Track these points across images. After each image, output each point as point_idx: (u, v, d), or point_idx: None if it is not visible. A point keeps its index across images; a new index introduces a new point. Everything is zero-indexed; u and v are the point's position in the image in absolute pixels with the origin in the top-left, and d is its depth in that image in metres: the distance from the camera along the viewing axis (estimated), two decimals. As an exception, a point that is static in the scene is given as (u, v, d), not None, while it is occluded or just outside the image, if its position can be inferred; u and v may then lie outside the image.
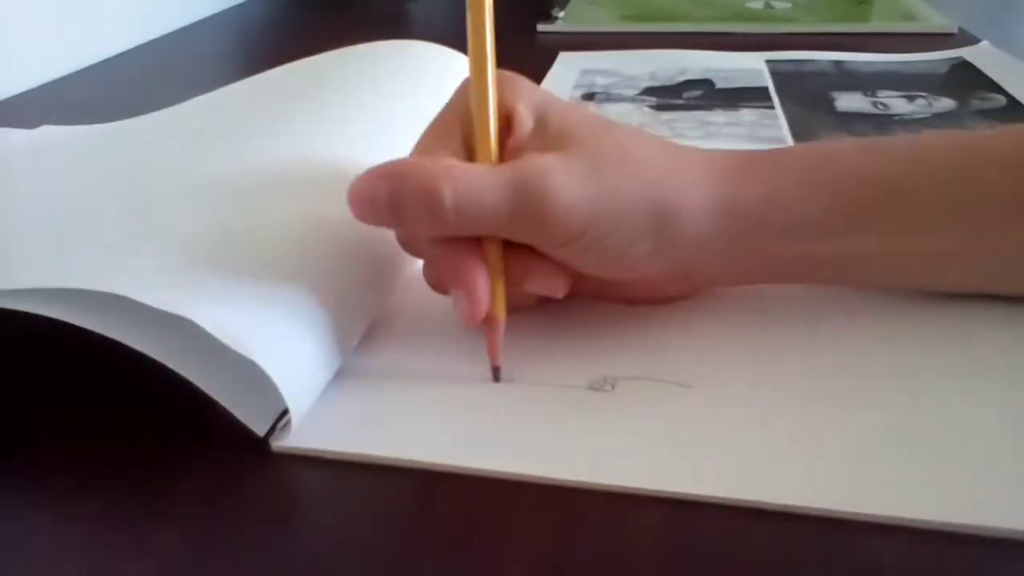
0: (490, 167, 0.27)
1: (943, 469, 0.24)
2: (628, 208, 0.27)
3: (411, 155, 0.29)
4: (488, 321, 0.28)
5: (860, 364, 0.29)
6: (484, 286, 0.27)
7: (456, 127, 0.29)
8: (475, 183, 0.26)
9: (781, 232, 0.29)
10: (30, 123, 0.52)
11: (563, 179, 0.26)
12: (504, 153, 0.29)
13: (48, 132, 0.51)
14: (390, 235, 0.31)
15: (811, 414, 0.26)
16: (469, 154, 0.29)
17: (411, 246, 0.30)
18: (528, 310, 0.32)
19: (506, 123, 0.29)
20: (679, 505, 0.23)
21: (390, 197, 0.26)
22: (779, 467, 0.24)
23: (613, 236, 0.27)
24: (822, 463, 0.24)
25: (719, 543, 0.22)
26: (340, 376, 0.29)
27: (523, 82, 0.30)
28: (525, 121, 0.29)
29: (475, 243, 0.28)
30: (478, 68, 0.28)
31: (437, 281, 0.30)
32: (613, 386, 0.28)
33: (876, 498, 0.23)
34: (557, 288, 0.29)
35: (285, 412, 0.26)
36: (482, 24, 0.28)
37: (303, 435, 0.26)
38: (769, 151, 0.31)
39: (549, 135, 0.28)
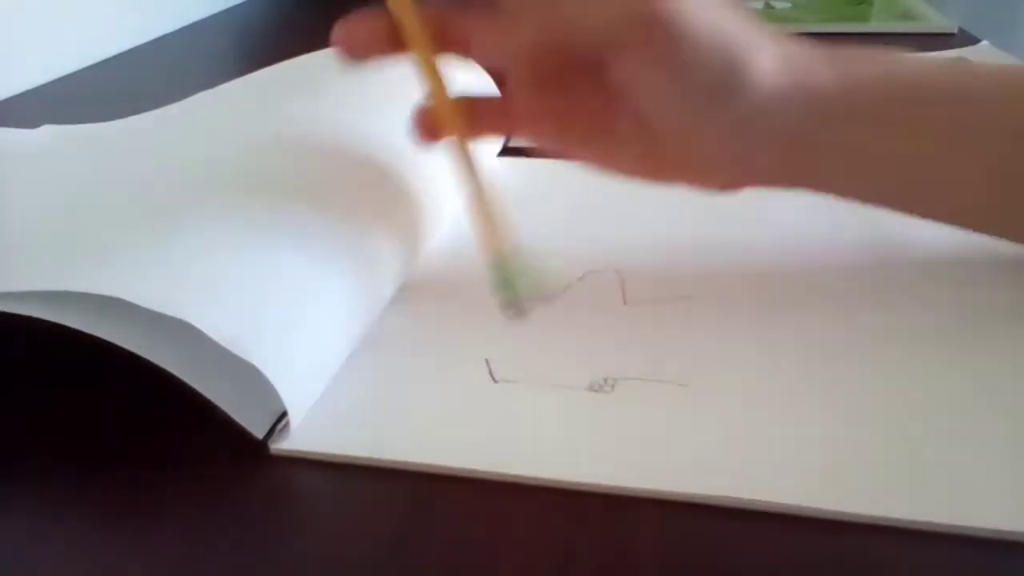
0: None
1: (945, 470, 0.24)
2: (724, 40, 0.28)
3: None
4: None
5: (860, 364, 0.29)
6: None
7: None
8: None
9: (849, 120, 0.29)
10: (30, 123, 0.52)
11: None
12: None
13: (49, 132, 0.51)
14: (389, 240, 0.31)
15: (810, 414, 0.26)
16: None
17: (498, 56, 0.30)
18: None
19: None
20: (679, 506, 0.23)
21: None
22: (778, 467, 0.24)
23: (692, 85, 0.28)
24: (821, 464, 0.24)
25: (719, 544, 0.22)
26: (339, 378, 0.29)
27: None
28: None
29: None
30: None
31: (528, 119, 0.31)
32: (612, 386, 0.28)
33: (876, 499, 0.23)
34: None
35: (284, 414, 0.26)
36: None
37: (302, 437, 0.26)
38: (842, 48, 0.31)
39: None
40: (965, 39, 0.69)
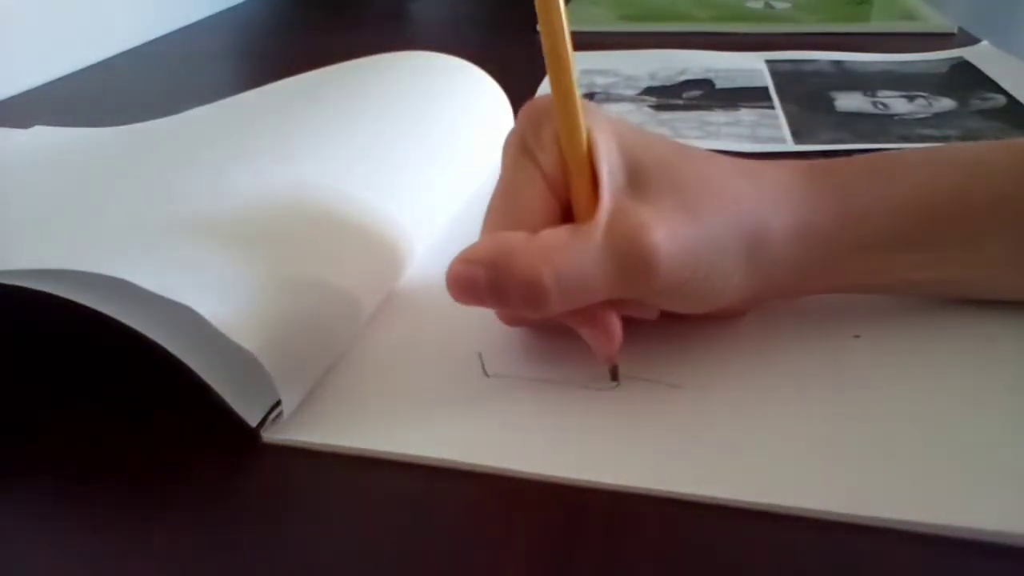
0: (584, 236, 0.26)
1: (940, 471, 0.24)
2: (725, 245, 0.27)
3: (495, 207, 0.28)
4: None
5: (855, 366, 0.29)
6: (616, 324, 0.27)
7: (532, 167, 0.27)
8: (576, 262, 0.25)
9: (854, 248, 0.29)
10: (30, 124, 0.52)
11: (662, 232, 0.26)
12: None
13: (41, 132, 0.51)
14: (389, 232, 0.31)
15: (807, 415, 0.26)
16: (555, 194, 0.27)
17: (516, 322, 0.30)
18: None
19: (589, 161, 0.27)
20: (678, 505, 0.23)
21: (491, 284, 0.26)
22: (776, 468, 0.24)
23: (712, 273, 0.27)
24: (817, 465, 0.24)
25: (718, 543, 0.22)
26: (335, 368, 0.29)
27: (596, 111, 0.28)
28: (615, 173, 0.27)
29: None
30: (567, 120, 0.27)
31: (514, 323, 0.30)
32: (609, 384, 0.28)
33: (872, 500, 0.23)
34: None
35: (277, 404, 0.26)
36: (561, 42, 0.26)
37: (294, 427, 0.26)
38: (835, 163, 0.31)
39: (628, 172, 0.27)
40: (965, 39, 0.69)
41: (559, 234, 0.26)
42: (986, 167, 0.30)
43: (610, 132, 0.28)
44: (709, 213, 0.27)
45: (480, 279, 0.26)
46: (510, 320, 0.30)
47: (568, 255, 0.25)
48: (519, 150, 0.28)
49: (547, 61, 0.26)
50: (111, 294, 0.25)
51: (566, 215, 0.28)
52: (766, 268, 0.28)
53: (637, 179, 0.27)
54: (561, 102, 0.27)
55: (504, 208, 0.28)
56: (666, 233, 0.26)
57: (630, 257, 0.26)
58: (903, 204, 0.29)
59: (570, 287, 0.25)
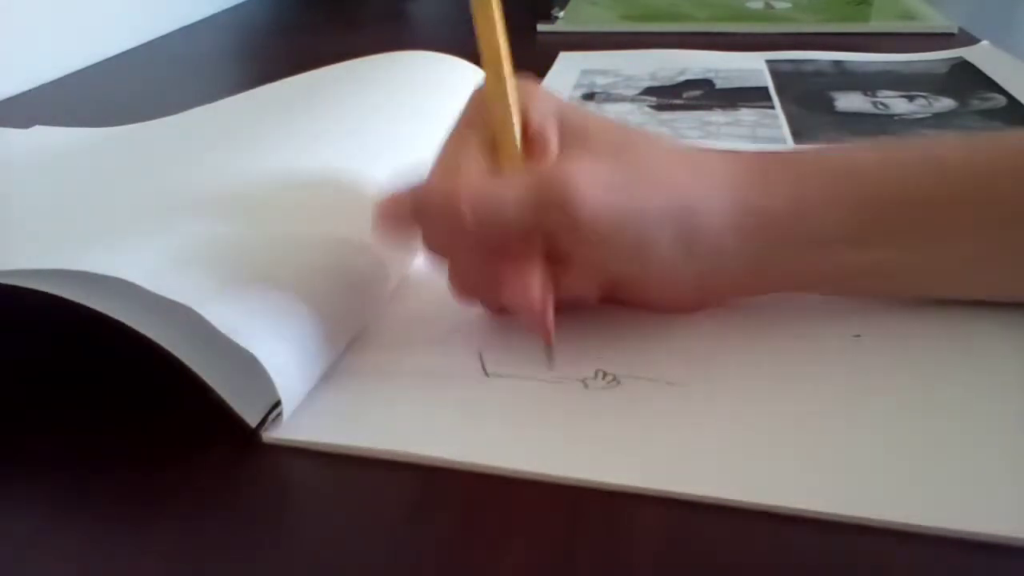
0: (512, 177, 0.28)
1: (944, 473, 0.24)
2: (653, 222, 0.28)
3: (433, 167, 0.29)
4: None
5: (857, 365, 0.29)
6: (538, 291, 0.28)
7: (473, 136, 0.29)
8: (494, 187, 0.27)
9: (806, 242, 0.29)
10: (32, 122, 0.52)
11: (588, 188, 0.27)
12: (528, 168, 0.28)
13: (41, 133, 0.51)
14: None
15: (807, 415, 0.26)
16: (490, 163, 0.28)
17: (439, 253, 0.30)
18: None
19: (523, 130, 0.29)
20: (677, 505, 0.23)
21: (413, 205, 0.28)
22: (776, 468, 0.24)
23: (642, 243, 0.28)
24: (817, 465, 0.24)
25: (717, 543, 0.22)
26: (335, 369, 0.29)
27: (538, 90, 0.30)
28: (551, 138, 0.28)
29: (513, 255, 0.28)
30: (495, 78, 0.28)
31: (463, 289, 0.30)
32: (605, 383, 0.28)
33: (874, 500, 0.23)
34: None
35: (277, 404, 0.26)
36: (493, 32, 0.28)
37: (294, 427, 0.26)
38: (788, 155, 0.31)
39: (568, 144, 0.28)
40: (965, 39, 0.69)
41: (482, 169, 0.28)
42: (941, 166, 0.30)
43: (545, 99, 0.29)
44: (638, 186, 0.28)
45: (404, 201, 0.28)
46: (433, 248, 0.29)
47: (487, 181, 0.27)
48: (463, 125, 0.29)
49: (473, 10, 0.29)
50: (111, 294, 0.25)
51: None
52: (711, 258, 0.29)
53: (571, 143, 0.29)
54: (490, 68, 0.28)
55: (438, 169, 0.29)
56: (591, 191, 0.27)
57: (550, 203, 0.27)
58: (862, 198, 0.29)
59: (486, 208, 0.27)
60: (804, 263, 0.29)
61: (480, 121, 0.29)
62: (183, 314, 0.24)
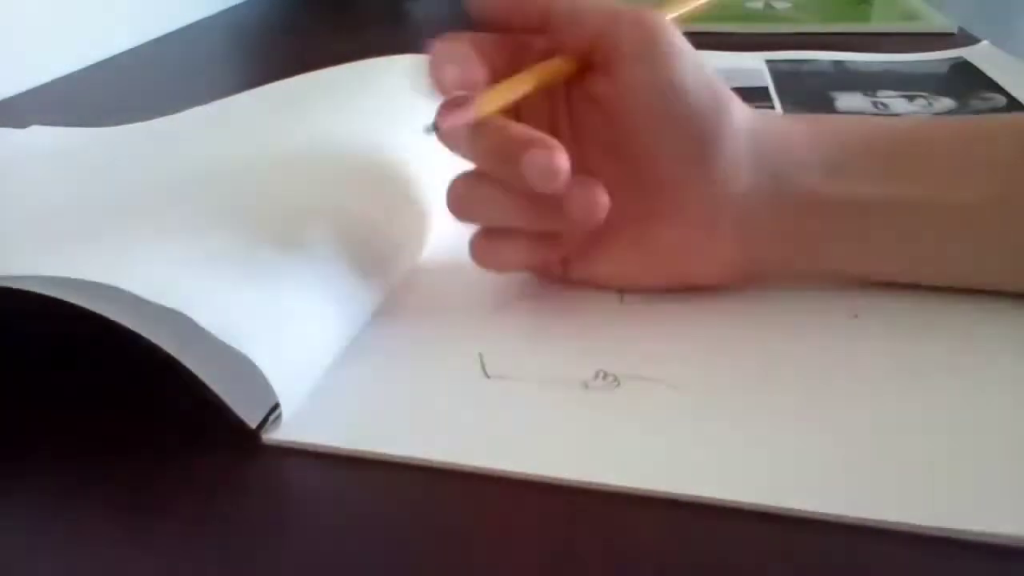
0: None
1: (943, 473, 0.24)
2: (710, 74, 0.30)
3: None
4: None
5: (857, 366, 0.28)
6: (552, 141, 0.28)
7: None
8: None
9: (822, 168, 0.31)
10: (32, 122, 0.52)
11: (671, 26, 0.30)
12: None
13: (38, 132, 0.51)
14: (389, 231, 0.31)
15: (807, 416, 0.26)
16: None
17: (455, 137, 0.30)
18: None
19: None
20: (678, 506, 0.23)
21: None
22: (777, 469, 0.24)
23: (694, 84, 0.29)
24: (819, 466, 0.24)
25: (718, 545, 0.22)
26: (333, 370, 0.29)
27: None
28: None
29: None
30: None
31: (460, 206, 0.31)
32: (606, 385, 0.28)
33: (872, 501, 0.23)
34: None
35: (277, 405, 0.26)
36: None
37: (294, 428, 0.26)
38: (800, 115, 0.34)
39: None
40: (965, 39, 0.69)
41: None
42: (942, 120, 0.35)
43: None
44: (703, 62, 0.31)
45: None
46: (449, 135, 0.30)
47: None
48: None
49: None
50: (107, 296, 0.25)
51: None
52: (727, 157, 0.30)
53: None
54: None
55: None
56: (673, 30, 0.30)
57: (641, 12, 0.30)
58: (869, 137, 0.32)
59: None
60: (818, 194, 0.30)
61: None
62: (180, 315, 0.24)
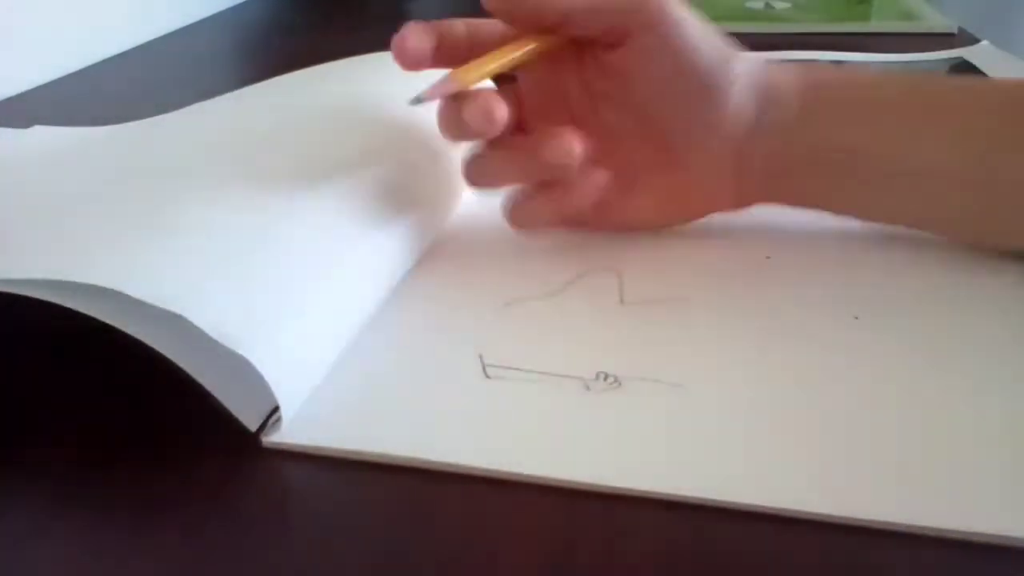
0: None
1: (944, 472, 0.24)
2: (713, 35, 0.33)
3: None
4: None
5: (858, 366, 0.28)
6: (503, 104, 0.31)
7: None
8: None
9: (813, 110, 0.33)
10: (32, 122, 0.52)
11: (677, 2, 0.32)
12: None
13: (40, 132, 0.51)
14: (389, 236, 0.31)
15: (807, 416, 0.26)
16: None
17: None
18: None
19: None
20: (678, 507, 0.23)
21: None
22: (774, 469, 0.24)
23: (700, 43, 0.32)
24: (818, 466, 0.24)
25: (719, 546, 0.22)
26: (333, 372, 0.29)
27: None
28: None
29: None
30: None
31: (471, 175, 0.34)
32: (607, 385, 0.28)
33: (874, 502, 0.23)
34: (568, 149, 0.32)
35: (277, 407, 0.26)
36: None
37: (294, 430, 0.26)
38: (797, 65, 0.36)
39: None
40: (965, 39, 0.69)
41: None
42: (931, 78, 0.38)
43: None
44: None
45: None
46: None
47: None
48: None
49: None
50: (106, 299, 0.25)
51: None
52: (737, 105, 0.33)
53: None
54: None
55: None
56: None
57: None
58: (866, 85, 0.35)
59: None
60: (815, 136, 0.33)
61: None
62: (176, 319, 0.24)
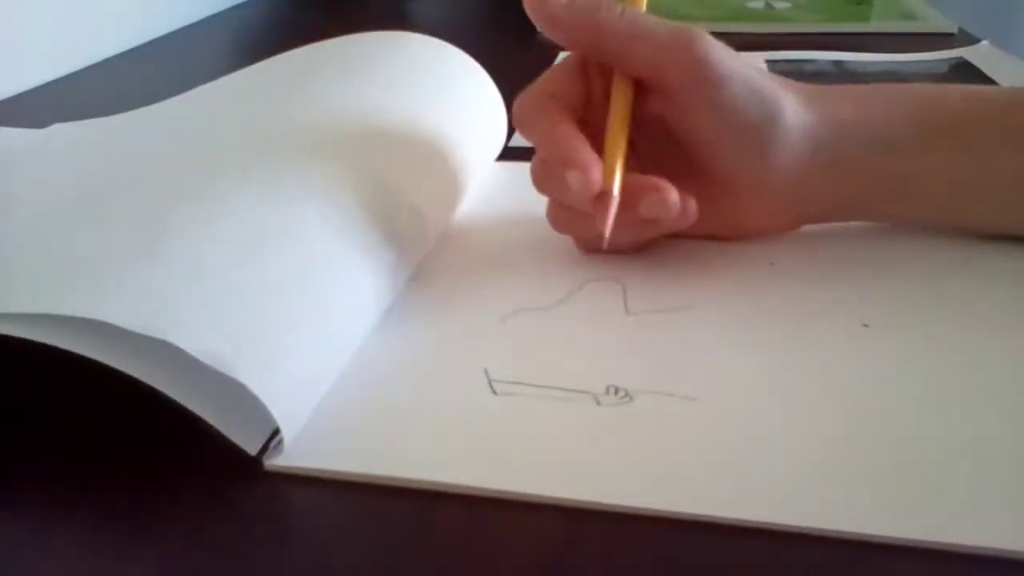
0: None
1: (962, 489, 0.23)
2: (759, 85, 0.32)
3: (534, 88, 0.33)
4: (601, 198, 0.31)
5: (869, 377, 0.28)
6: (594, 160, 0.31)
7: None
8: (641, 14, 0.33)
9: (867, 143, 0.34)
10: (31, 122, 0.52)
11: (713, 41, 0.32)
12: None
13: (59, 130, 0.50)
14: (387, 251, 0.31)
15: (815, 429, 0.26)
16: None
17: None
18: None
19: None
20: (683, 525, 0.23)
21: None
22: (782, 486, 0.24)
23: (749, 101, 0.32)
24: (831, 483, 0.24)
25: (723, 564, 0.22)
26: (334, 392, 0.28)
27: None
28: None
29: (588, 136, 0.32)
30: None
31: (542, 176, 0.34)
32: (617, 399, 0.27)
33: (884, 517, 0.22)
34: (670, 205, 0.31)
35: (278, 430, 0.25)
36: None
37: (296, 453, 0.25)
38: (847, 86, 0.36)
39: None
40: (965, 39, 0.69)
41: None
42: (979, 91, 0.36)
43: None
44: (751, 65, 0.33)
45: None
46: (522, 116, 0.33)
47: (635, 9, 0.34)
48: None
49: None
50: (92, 328, 0.24)
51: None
52: (784, 138, 0.33)
53: None
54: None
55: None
56: (716, 43, 0.32)
57: (683, 34, 0.32)
58: (914, 110, 0.34)
59: (632, 24, 0.32)
60: (864, 165, 0.34)
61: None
62: (174, 347, 0.23)
